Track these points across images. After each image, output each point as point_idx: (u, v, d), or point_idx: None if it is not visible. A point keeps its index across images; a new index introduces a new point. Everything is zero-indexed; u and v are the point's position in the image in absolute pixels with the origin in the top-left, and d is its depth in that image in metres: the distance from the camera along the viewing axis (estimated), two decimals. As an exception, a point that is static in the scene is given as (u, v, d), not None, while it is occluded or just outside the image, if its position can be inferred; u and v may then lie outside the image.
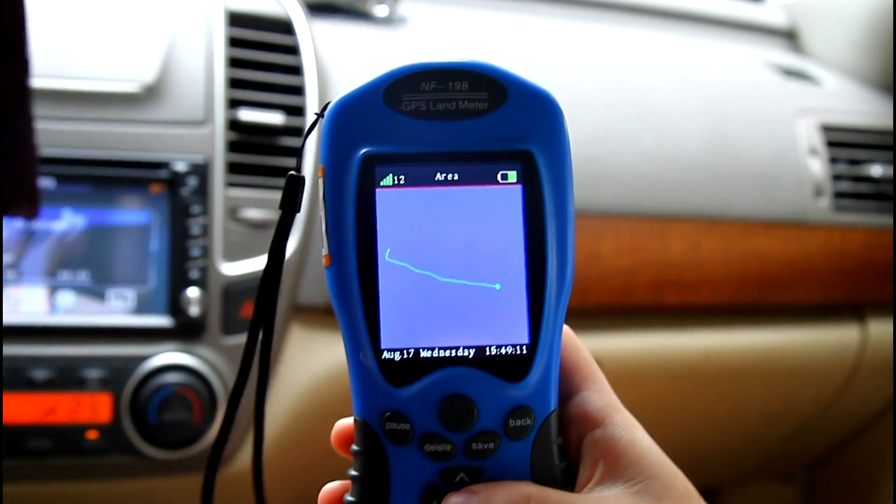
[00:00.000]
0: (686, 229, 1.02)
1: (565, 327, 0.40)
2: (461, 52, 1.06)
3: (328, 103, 0.40)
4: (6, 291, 0.81)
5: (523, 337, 0.38)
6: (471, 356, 0.38)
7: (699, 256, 1.02)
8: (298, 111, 0.91)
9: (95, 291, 0.83)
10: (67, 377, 0.81)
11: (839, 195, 1.12)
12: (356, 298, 0.38)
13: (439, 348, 0.38)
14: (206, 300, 0.84)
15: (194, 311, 0.83)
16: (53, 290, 0.83)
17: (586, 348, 0.42)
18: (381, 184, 0.38)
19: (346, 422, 0.42)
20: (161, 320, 0.83)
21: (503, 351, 0.38)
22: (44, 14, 0.89)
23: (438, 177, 0.39)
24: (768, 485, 1.41)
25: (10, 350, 0.80)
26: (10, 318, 0.81)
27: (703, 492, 0.40)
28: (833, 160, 1.13)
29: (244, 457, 0.85)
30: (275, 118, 0.89)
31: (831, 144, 1.13)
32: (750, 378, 1.12)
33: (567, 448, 0.41)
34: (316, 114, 0.40)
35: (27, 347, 0.81)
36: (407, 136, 0.39)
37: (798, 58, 1.34)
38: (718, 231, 1.04)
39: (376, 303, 0.38)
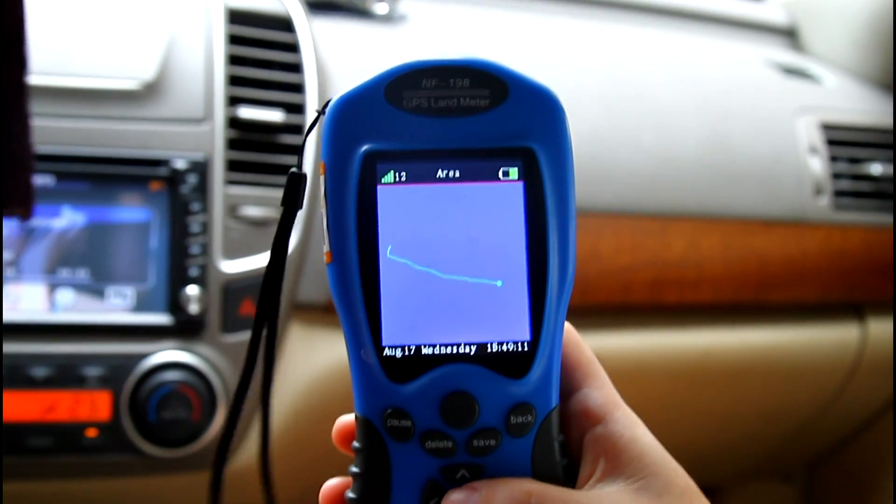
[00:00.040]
0: (686, 228, 1.02)
1: (567, 324, 0.40)
2: (461, 50, 1.05)
3: (329, 100, 0.40)
4: (6, 289, 0.81)
5: (525, 334, 0.38)
6: (472, 353, 0.38)
7: (699, 255, 1.02)
8: (298, 109, 0.91)
9: (95, 289, 0.83)
10: (67, 375, 0.81)
11: (839, 194, 1.12)
12: (357, 295, 0.38)
13: (441, 345, 0.38)
14: (206, 298, 0.84)
15: (194, 308, 0.83)
16: (53, 287, 0.83)
17: (587, 345, 0.42)
18: (383, 181, 0.38)
19: (347, 418, 0.42)
20: (160, 318, 0.83)
21: (504, 348, 0.38)
22: (44, 11, 0.89)
23: (440, 174, 0.39)
24: (768, 483, 1.41)
25: (10, 348, 0.80)
26: (9, 316, 0.80)
27: (703, 490, 0.40)
28: (833, 158, 1.13)
29: (245, 454, 0.85)
30: (274, 116, 0.89)
31: (831, 143, 1.13)
32: (750, 377, 1.12)
33: (568, 445, 0.41)
34: (317, 111, 0.40)
35: (27, 345, 0.81)
36: (408, 133, 0.39)
37: (798, 56, 1.34)
38: (718, 229, 1.04)
39: (378, 300, 0.38)
